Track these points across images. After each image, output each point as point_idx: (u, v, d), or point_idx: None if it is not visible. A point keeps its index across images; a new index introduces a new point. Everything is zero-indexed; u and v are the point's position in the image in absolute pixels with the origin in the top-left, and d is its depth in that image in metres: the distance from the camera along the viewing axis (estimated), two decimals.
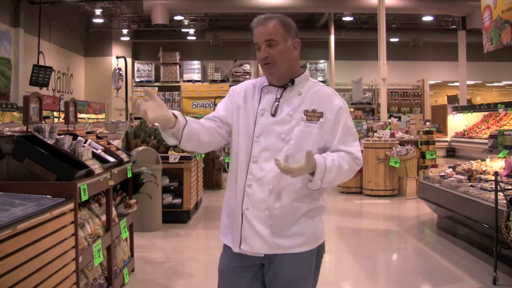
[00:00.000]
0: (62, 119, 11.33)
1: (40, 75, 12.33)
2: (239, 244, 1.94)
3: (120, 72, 15.06)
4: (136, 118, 13.92)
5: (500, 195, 4.02)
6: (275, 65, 1.92)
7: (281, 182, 1.90)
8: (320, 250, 2.02)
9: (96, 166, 3.15)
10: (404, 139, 8.89)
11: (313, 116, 1.92)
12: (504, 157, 5.22)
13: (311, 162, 1.80)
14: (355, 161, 1.93)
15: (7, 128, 6.88)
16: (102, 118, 16.77)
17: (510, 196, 3.80)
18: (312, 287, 2.01)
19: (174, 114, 1.82)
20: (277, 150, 1.90)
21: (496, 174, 4.10)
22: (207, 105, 18.24)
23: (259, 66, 2.04)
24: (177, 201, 6.39)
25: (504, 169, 5.19)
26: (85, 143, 3.28)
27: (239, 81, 17.86)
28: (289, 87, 1.97)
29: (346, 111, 1.98)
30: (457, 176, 5.56)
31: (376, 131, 9.71)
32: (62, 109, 11.97)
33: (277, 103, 1.95)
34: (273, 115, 1.94)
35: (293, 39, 1.96)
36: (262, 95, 1.99)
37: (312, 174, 1.84)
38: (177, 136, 1.84)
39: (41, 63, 12.95)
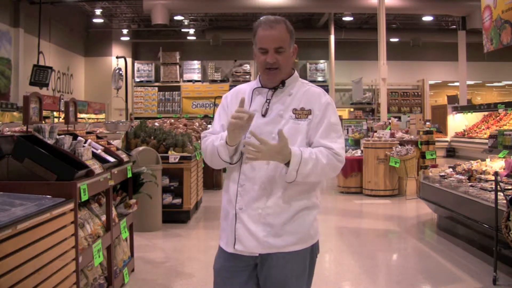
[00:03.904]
0: (62, 119, 11.32)
1: (40, 75, 12.32)
2: (233, 244, 1.95)
3: (120, 72, 15.05)
4: (136, 118, 13.93)
5: (500, 195, 4.02)
6: (280, 71, 1.97)
7: (274, 181, 1.93)
8: (314, 249, 2.03)
9: (96, 166, 3.15)
10: (404, 139, 8.89)
11: (301, 114, 1.96)
12: (504, 157, 5.22)
13: (283, 144, 1.81)
14: (335, 156, 1.93)
15: (7, 128, 6.86)
16: (102, 118, 16.75)
17: (510, 196, 3.80)
18: (306, 286, 2.02)
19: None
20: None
21: (496, 174, 4.10)
22: (207, 105, 18.23)
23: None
24: (177, 201, 6.39)
25: (504, 169, 5.18)
26: (85, 143, 3.27)
27: (239, 81, 17.96)
28: (280, 88, 2.01)
29: (333, 108, 2.01)
30: (457, 176, 5.56)
31: (376, 131, 9.71)
32: (62, 109, 11.96)
33: (267, 104, 1.99)
34: (264, 115, 1.97)
35: (293, 44, 2.01)
36: (253, 97, 2.03)
37: (287, 164, 1.85)
38: (231, 156, 1.94)
39: (41, 63, 12.94)
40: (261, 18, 2.00)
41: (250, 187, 1.94)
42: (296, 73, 2.06)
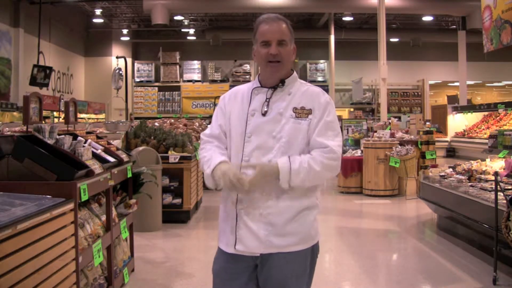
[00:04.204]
0: (62, 119, 11.32)
1: (40, 75, 12.32)
2: (234, 244, 1.95)
3: (120, 72, 15.05)
4: (136, 118, 13.94)
5: (500, 195, 4.02)
6: (282, 64, 1.98)
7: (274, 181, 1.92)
8: (314, 250, 2.03)
9: (96, 166, 3.15)
10: (404, 139, 8.89)
11: (301, 113, 1.96)
12: (504, 157, 5.22)
13: (260, 170, 1.86)
14: (330, 155, 1.93)
15: (7, 128, 6.86)
16: (102, 118, 16.75)
17: (510, 196, 3.80)
18: (306, 287, 2.02)
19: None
20: (268, 148, 1.94)
21: (496, 174, 4.10)
22: (207, 105, 18.23)
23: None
24: (177, 201, 6.39)
25: (504, 169, 5.18)
26: (85, 143, 3.28)
27: (239, 81, 17.92)
28: (280, 87, 2.01)
29: (332, 107, 2.02)
30: (457, 176, 5.56)
31: (376, 131, 9.71)
32: (62, 109, 11.96)
33: (267, 103, 1.99)
34: (264, 114, 1.97)
35: (293, 43, 2.03)
36: (253, 96, 2.03)
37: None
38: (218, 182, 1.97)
39: (41, 63, 12.94)
40: (262, 15, 2.01)
41: None
42: (295, 73, 2.07)
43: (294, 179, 1.88)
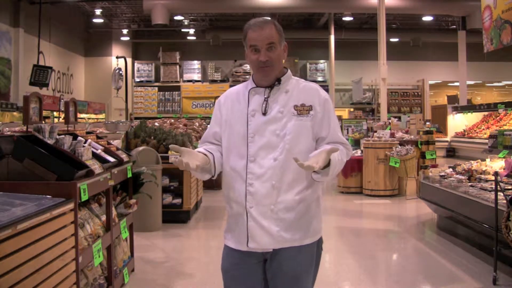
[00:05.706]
0: (62, 119, 11.33)
1: (40, 75, 12.33)
2: (247, 242, 1.98)
3: (120, 72, 15.06)
4: (136, 118, 13.94)
5: (500, 195, 4.02)
6: (273, 67, 2.01)
7: (283, 177, 1.97)
8: (319, 243, 2.09)
9: (96, 166, 3.15)
10: (404, 139, 8.89)
11: (302, 110, 2.00)
12: (504, 157, 5.22)
13: (328, 159, 1.88)
14: (349, 151, 2.08)
15: (7, 128, 6.87)
16: (102, 118, 16.77)
17: (510, 196, 3.80)
18: (312, 279, 2.07)
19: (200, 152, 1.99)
20: (273, 147, 1.97)
21: (496, 174, 4.10)
22: (207, 105, 18.25)
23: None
24: (177, 201, 6.39)
25: (504, 169, 5.18)
26: (85, 143, 3.28)
27: (239, 81, 17.91)
28: (276, 86, 2.04)
29: (331, 103, 2.11)
30: (457, 176, 5.56)
31: (376, 131, 9.71)
32: (62, 109, 11.96)
33: (266, 102, 2.02)
34: (264, 114, 2.00)
35: (283, 42, 2.05)
36: (250, 97, 2.06)
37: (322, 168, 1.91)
38: (210, 171, 2.02)
39: (41, 63, 12.95)
40: (250, 21, 2.04)
41: (259, 185, 1.96)
42: (289, 71, 2.10)
43: (334, 171, 1.93)
